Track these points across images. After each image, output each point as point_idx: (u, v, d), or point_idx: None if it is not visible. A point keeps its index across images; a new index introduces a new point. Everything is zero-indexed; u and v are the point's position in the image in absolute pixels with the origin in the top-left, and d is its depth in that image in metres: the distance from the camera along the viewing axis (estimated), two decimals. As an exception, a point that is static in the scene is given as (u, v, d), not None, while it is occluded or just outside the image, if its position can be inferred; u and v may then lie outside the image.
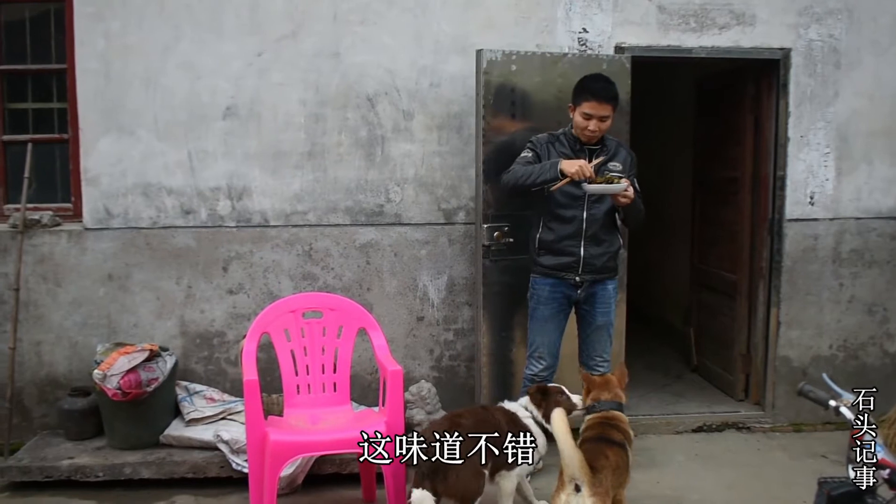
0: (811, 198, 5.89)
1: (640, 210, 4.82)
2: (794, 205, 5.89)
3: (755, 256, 6.20)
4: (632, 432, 4.03)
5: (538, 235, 4.85)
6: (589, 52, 5.59)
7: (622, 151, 4.85)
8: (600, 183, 4.54)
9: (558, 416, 3.52)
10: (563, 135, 4.81)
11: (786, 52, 5.78)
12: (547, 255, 4.82)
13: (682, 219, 7.71)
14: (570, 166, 4.47)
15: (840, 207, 5.93)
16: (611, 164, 4.74)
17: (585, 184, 4.52)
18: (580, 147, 4.74)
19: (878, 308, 6.05)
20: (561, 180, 4.52)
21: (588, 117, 4.61)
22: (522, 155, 4.81)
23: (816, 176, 5.89)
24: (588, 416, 4.09)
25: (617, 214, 4.83)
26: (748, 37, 5.75)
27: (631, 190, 4.56)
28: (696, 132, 7.42)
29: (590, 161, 4.62)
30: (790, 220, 5.91)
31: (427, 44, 5.53)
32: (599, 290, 4.86)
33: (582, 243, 4.75)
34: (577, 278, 4.78)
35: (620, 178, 4.57)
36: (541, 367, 4.89)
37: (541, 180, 4.59)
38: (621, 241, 4.97)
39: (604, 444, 3.78)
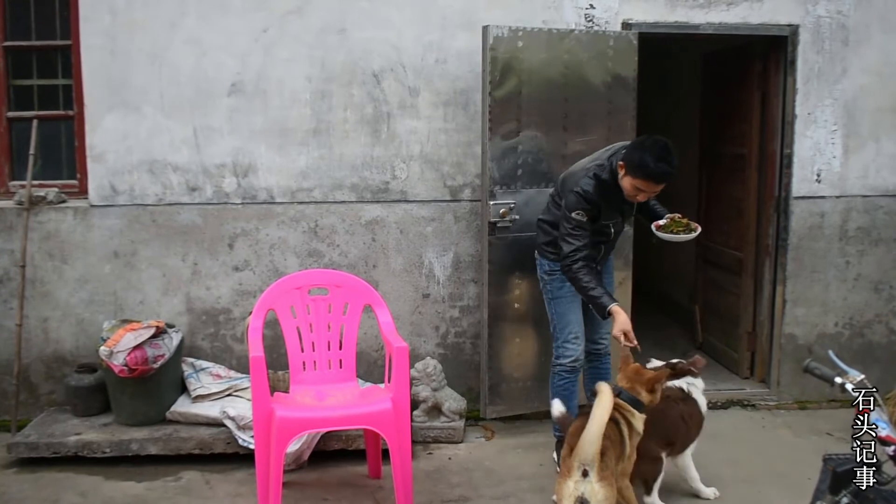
0: (818, 175, 5.87)
1: None
2: (801, 182, 5.87)
3: (761, 234, 6.19)
4: (638, 426, 3.92)
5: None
6: (596, 28, 5.56)
7: None
8: (678, 231, 4.51)
9: (605, 393, 3.47)
10: (611, 177, 4.44)
11: (794, 29, 5.75)
12: None
13: (689, 196, 7.67)
14: (620, 324, 4.31)
15: (847, 185, 5.91)
16: None
17: (658, 231, 4.53)
18: None
19: (885, 286, 6.04)
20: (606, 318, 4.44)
21: (639, 191, 4.37)
22: (575, 218, 4.44)
23: (823, 153, 5.86)
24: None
25: (653, 237, 4.72)
26: (756, 13, 5.72)
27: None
28: (702, 109, 7.39)
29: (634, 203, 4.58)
30: (797, 198, 5.89)
31: (433, 20, 5.50)
32: (605, 266, 4.87)
33: (604, 246, 4.73)
34: (596, 266, 4.72)
35: (687, 220, 4.59)
36: (580, 349, 4.76)
37: (590, 304, 4.52)
38: None
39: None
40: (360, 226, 5.62)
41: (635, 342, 4.29)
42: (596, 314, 4.52)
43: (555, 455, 4.93)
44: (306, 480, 4.81)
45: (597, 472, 3.40)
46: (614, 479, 3.51)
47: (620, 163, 4.38)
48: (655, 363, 4.41)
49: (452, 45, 5.52)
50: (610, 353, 5.01)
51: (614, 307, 4.34)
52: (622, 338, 4.29)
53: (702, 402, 4.51)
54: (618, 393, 3.90)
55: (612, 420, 3.74)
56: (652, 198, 4.63)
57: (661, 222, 4.59)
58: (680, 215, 4.63)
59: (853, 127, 5.86)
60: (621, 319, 4.32)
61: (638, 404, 3.94)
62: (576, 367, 4.77)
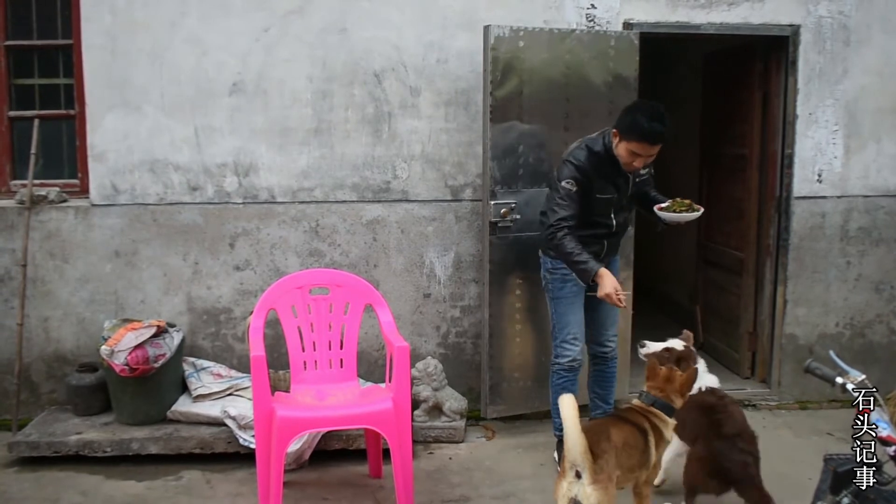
0: (819, 175, 5.87)
1: None
2: (802, 182, 5.87)
3: (762, 234, 6.19)
4: (667, 433, 3.84)
5: None
6: (597, 28, 5.56)
7: None
8: (680, 211, 4.52)
9: (567, 400, 3.42)
10: (605, 149, 4.52)
11: (795, 29, 5.75)
12: None
13: (690, 196, 7.63)
14: (604, 287, 4.34)
15: (848, 185, 5.91)
16: (642, 170, 4.67)
17: (665, 213, 4.53)
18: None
19: (886, 286, 6.04)
20: (590, 284, 4.46)
21: (635, 155, 4.41)
22: (565, 186, 4.48)
23: (824, 153, 5.86)
24: (633, 402, 3.93)
25: (659, 224, 4.74)
26: (757, 13, 5.72)
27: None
28: (703, 109, 7.38)
29: (629, 177, 4.59)
30: (798, 198, 5.89)
31: (434, 19, 5.50)
32: (608, 267, 4.82)
33: (606, 240, 4.73)
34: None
35: (688, 201, 4.58)
36: (577, 349, 4.76)
37: (576, 272, 4.53)
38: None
39: (611, 424, 3.70)
40: (361, 225, 5.62)
41: (624, 302, 4.37)
42: (581, 281, 4.53)
43: (555, 455, 4.93)
44: (307, 480, 4.81)
45: (589, 475, 3.36)
46: (611, 481, 3.47)
47: (613, 130, 4.46)
48: (651, 346, 4.34)
49: (453, 44, 5.52)
50: (617, 357, 5.01)
51: (602, 270, 4.37)
52: (613, 295, 4.32)
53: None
54: (651, 402, 3.83)
55: (639, 429, 3.72)
56: (652, 190, 4.65)
57: (664, 205, 4.60)
58: (681, 199, 4.64)
59: (854, 127, 5.86)
60: (608, 281, 4.35)
61: (670, 410, 3.85)
62: (574, 367, 4.76)
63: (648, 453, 3.75)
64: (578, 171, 4.48)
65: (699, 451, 4.12)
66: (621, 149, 4.43)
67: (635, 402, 3.91)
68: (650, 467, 3.78)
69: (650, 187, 4.82)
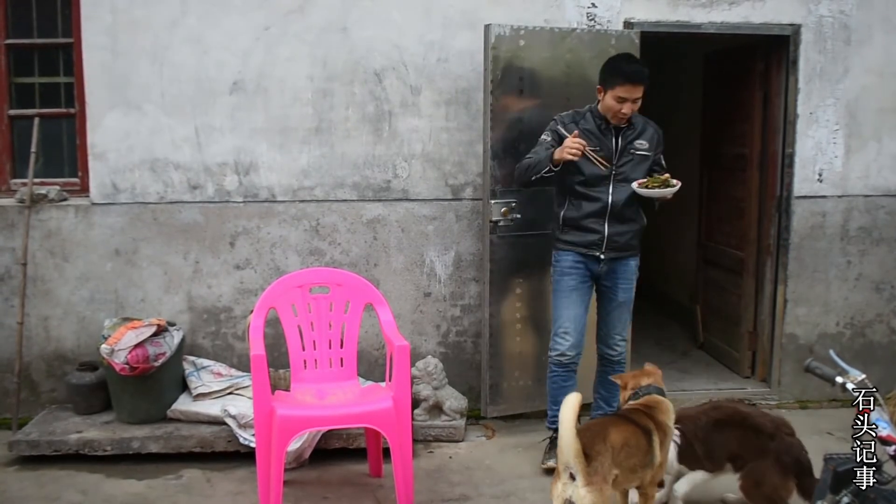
0: (819, 175, 5.87)
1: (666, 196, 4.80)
2: (803, 182, 5.87)
3: (763, 233, 6.19)
4: (670, 424, 3.85)
5: (563, 212, 4.78)
6: (598, 27, 5.56)
7: (649, 129, 4.78)
8: (655, 187, 4.54)
9: (568, 401, 3.42)
10: (590, 112, 4.71)
11: (796, 28, 5.74)
12: (571, 231, 4.76)
13: (690, 195, 7.65)
14: (560, 152, 4.48)
15: (848, 185, 5.91)
16: (637, 143, 4.70)
17: (637, 188, 4.55)
18: (606, 126, 4.66)
19: (886, 286, 6.04)
20: (553, 169, 4.54)
21: (622, 101, 4.51)
22: (542, 139, 4.73)
23: (825, 153, 5.86)
24: (630, 403, 3.92)
25: (655, 203, 4.76)
26: (758, 12, 5.71)
27: (679, 185, 4.56)
28: (704, 108, 7.39)
29: (617, 139, 4.64)
30: (798, 198, 5.89)
31: (435, 18, 5.50)
32: (621, 267, 4.80)
33: (606, 221, 4.70)
34: (601, 255, 4.73)
35: (664, 173, 4.60)
36: (567, 343, 4.77)
37: (537, 171, 4.60)
38: (645, 219, 4.89)
39: (611, 424, 3.68)
40: (361, 224, 5.62)
41: (582, 146, 4.46)
42: (543, 170, 4.59)
43: (546, 449, 4.98)
44: (307, 479, 4.81)
45: (582, 477, 3.35)
46: (607, 483, 3.45)
47: (598, 87, 4.65)
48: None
49: (454, 44, 5.51)
50: (625, 362, 5.01)
51: (556, 151, 4.53)
52: (568, 150, 4.45)
53: None
54: (647, 392, 3.88)
55: (643, 428, 3.71)
56: (645, 145, 4.73)
57: (642, 181, 4.62)
58: (658, 175, 4.67)
59: (855, 127, 5.86)
60: (559, 149, 4.52)
61: (662, 392, 3.92)
62: (562, 362, 4.78)
63: (652, 453, 3.73)
64: (557, 121, 4.74)
65: (765, 464, 4.02)
66: (608, 100, 4.58)
67: (630, 404, 3.91)
68: (655, 467, 3.76)
69: (660, 168, 4.84)
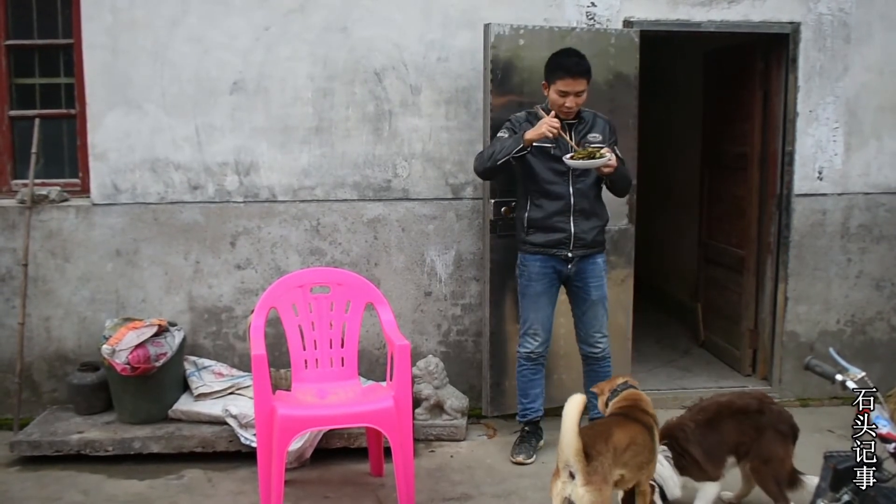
0: (820, 173, 5.87)
1: (626, 178, 4.90)
2: (803, 180, 5.87)
3: (763, 232, 6.18)
4: (655, 414, 3.91)
5: (526, 214, 4.86)
6: (597, 26, 5.56)
7: (600, 122, 4.87)
8: (582, 157, 4.55)
9: (572, 401, 3.40)
10: (543, 110, 4.76)
11: (795, 27, 5.74)
12: (537, 232, 4.83)
13: (691, 194, 7.68)
14: (534, 131, 4.54)
15: (848, 183, 5.91)
16: (590, 136, 4.77)
17: (568, 160, 4.55)
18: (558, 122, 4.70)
19: (886, 283, 6.03)
20: (526, 148, 4.59)
21: (564, 94, 4.62)
22: (499, 135, 4.83)
23: (825, 151, 5.86)
24: (613, 402, 3.97)
25: (604, 183, 4.84)
26: (758, 11, 5.71)
27: (614, 159, 4.56)
28: (704, 107, 7.38)
29: (570, 135, 4.70)
30: (798, 196, 5.89)
31: (435, 18, 5.50)
32: (590, 266, 4.88)
33: (571, 219, 4.77)
34: (569, 254, 4.80)
35: (601, 148, 4.60)
36: (536, 343, 4.93)
37: (506, 152, 4.63)
38: (608, 214, 4.99)
39: (615, 424, 3.69)
40: (361, 224, 5.63)
41: (556, 126, 4.51)
42: (514, 150, 4.63)
43: (518, 440, 5.14)
44: (308, 478, 4.81)
45: (582, 476, 3.35)
46: (606, 483, 3.45)
47: (543, 83, 4.77)
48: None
49: (454, 43, 5.52)
50: (609, 357, 5.04)
51: (526, 133, 4.58)
52: (545, 128, 4.50)
53: None
54: (624, 388, 3.99)
55: (644, 425, 3.75)
56: (596, 135, 4.79)
57: (572, 154, 4.63)
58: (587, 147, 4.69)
59: (855, 125, 5.86)
60: (533, 129, 4.58)
61: (636, 388, 4.03)
62: (531, 357, 4.96)
63: (653, 450, 3.78)
64: (513, 121, 4.86)
65: (766, 438, 4.04)
66: (552, 94, 4.68)
67: (613, 402, 3.97)
68: (654, 462, 3.81)
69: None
